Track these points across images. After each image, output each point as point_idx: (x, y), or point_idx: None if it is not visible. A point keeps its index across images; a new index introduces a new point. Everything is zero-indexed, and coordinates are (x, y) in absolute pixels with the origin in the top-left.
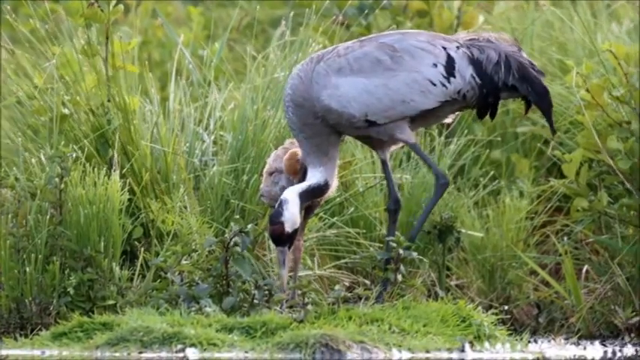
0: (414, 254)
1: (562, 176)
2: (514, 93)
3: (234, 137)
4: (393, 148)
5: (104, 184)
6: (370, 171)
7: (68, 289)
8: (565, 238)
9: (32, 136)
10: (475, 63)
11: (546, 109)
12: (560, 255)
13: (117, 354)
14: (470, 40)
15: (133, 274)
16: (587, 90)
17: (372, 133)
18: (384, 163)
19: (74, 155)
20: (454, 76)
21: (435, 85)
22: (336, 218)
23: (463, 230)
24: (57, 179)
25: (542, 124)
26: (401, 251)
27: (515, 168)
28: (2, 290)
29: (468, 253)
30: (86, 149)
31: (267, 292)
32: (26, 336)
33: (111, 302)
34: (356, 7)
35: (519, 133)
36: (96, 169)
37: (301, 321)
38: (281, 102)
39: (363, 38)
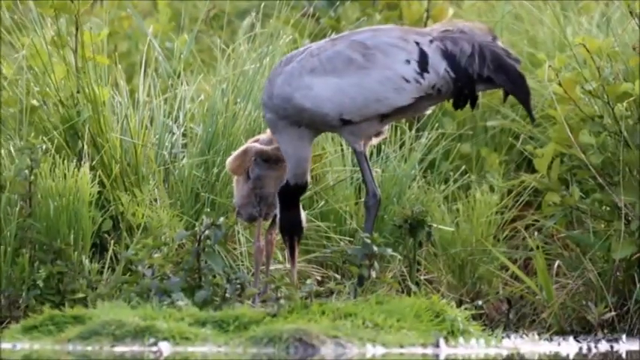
0: (389, 251)
1: (532, 170)
2: (490, 84)
3: (205, 130)
4: (374, 141)
5: (74, 176)
6: (340, 164)
7: (38, 282)
8: (536, 233)
9: (1, 128)
10: (448, 56)
11: (523, 98)
12: (531, 250)
13: (89, 347)
14: (443, 32)
15: (103, 267)
16: (560, 84)
17: (344, 132)
18: (362, 156)
19: (44, 147)
20: (427, 72)
21: (408, 81)
22: (306, 212)
23: (434, 225)
24: (26, 171)
25: (513, 117)
26: (375, 248)
27: (485, 162)
28: None
29: (438, 247)
30: (56, 141)
31: (239, 286)
32: None
33: (81, 295)
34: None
35: (489, 127)
36: (65, 161)
37: (274, 315)
38: (251, 94)
39: (335, 37)
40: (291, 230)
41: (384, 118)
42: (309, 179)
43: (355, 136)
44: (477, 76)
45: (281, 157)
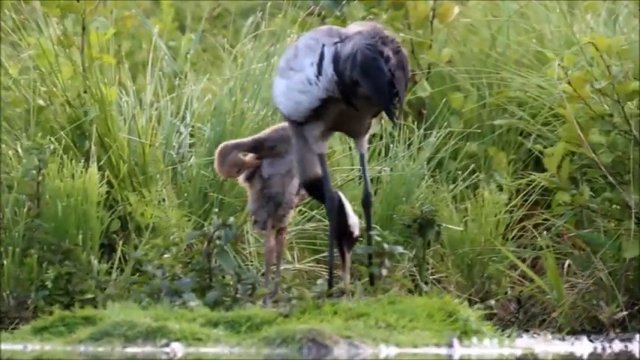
0: (399, 249)
1: (540, 169)
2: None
3: (212, 129)
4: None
5: (82, 176)
6: (348, 164)
7: (46, 283)
8: (545, 233)
9: (8, 128)
10: (335, 59)
11: (383, 103)
12: (541, 249)
13: (100, 349)
14: (355, 33)
15: (111, 268)
16: (569, 82)
17: (305, 132)
18: (361, 157)
19: (51, 147)
20: (321, 74)
21: (311, 84)
22: (315, 212)
23: (443, 224)
24: (34, 172)
25: (521, 116)
26: (386, 246)
27: (493, 161)
28: None
29: (447, 247)
30: (63, 141)
31: (250, 286)
32: (5, 330)
33: (90, 296)
34: None
35: (496, 125)
36: (73, 162)
37: (287, 316)
38: (258, 93)
39: (299, 35)
40: (339, 235)
41: (320, 120)
42: (316, 173)
43: (309, 136)
44: (349, 79)
45: (264, 142)
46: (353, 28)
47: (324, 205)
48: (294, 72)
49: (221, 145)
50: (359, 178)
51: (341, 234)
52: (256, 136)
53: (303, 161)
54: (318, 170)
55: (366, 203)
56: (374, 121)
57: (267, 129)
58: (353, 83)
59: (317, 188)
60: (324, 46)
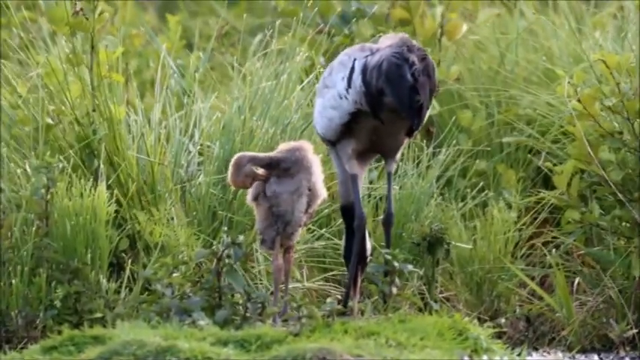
0: (410, 267)
1: (549, 187)
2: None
3: (221, 147)
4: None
5: (90, 195)
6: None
7: (55, 302)
8: (554, 250)
9: (16, 147)
10: (363, 70)
11: (404, 108)
12: (550, 267)
13: None
14: (386, 47)
15: (120, 287)
16: (579, 100)
17: (339, 152)
18: (388, 175)
19: (60, 166)
20: (350, 87)
21: (341, 98)
22: (324, 230)
23: (452, 242)
24: (43, 190)
25: (529, 133)
26: (396, 264)
27: (502, 179)
28: None
29: (456, 265)
30: (72, 160)
31: (259, 304)
32: (13, 349)
33: (99, 315)
34: (339, 17)
35: (505, 143)
36: (82, 180)
37: (297, 334)
38: (267, 112)
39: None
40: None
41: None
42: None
43: (343, 155)
44: (375, 88)
45: (280, 162)
46: (384, 42)
47: (353, 224)
48: (328, 89)
49: (237, 156)
50: (367, 196)
51: (360, 255)
52: (272, 154)
53: (346, 185)
54: (349, 199)
55: (387, 222)
56: (406, 140)
57: (283, 147)
58: (378, 92)
59: (343, 216)
60: (355, 60)
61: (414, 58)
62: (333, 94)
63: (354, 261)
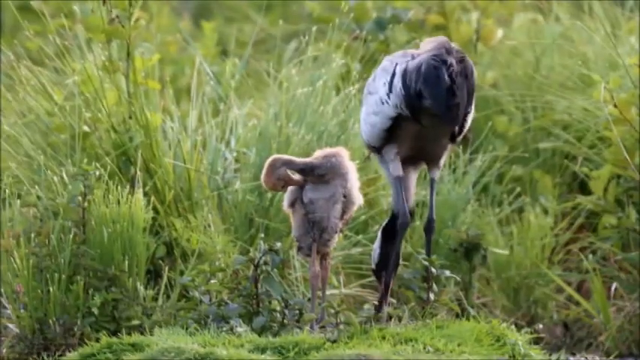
0: (447, 273)
1: (585, 192)
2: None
3: (257, 154)
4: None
5: (127, 202)
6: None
7: (92, 309)
8: (591, 256)
9: (53, 154)
10: (404, 74)
11: (439, 107)
12: (587, 272)
13: None
14: (428, 50)
15: (157, 294)
16: (615, 105)
17: (385, 158)
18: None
19: (97, 173)
20: (391, 91)
21: (383, 103)
22: (361, 236)
23: (489, 248)
24: (80, 198)
25: (566, 139)
26: (434, 270)
27: (538, 185)
28: (25, 311)
29: (492, 271)
30: (108, 167)
31: (297, 311)
32: (51, 357)
33: (136, 322)
34: (374, 22)
35: (541, 149)
36: (119, 188)
37: (334, 341)
38: (304, 118)
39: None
40: (387, 267)
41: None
42: (403, 210)
43: (387, 160)
44: (414, 90)
45: (314, 168)
46: (424, 46)
47: (396, 222)
48: (371, 95)
49: (273, 157)
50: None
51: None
52: (308, 160)
53: (394, 193)
54: (402, 209)
55: (428, 228)
56: (450, 146)
57: (319, 153)
58: (417, 95)
59: (392, 225)
60: (396, 65)
61: (451, 60)
62: (376, 100)
63: (393, 263)
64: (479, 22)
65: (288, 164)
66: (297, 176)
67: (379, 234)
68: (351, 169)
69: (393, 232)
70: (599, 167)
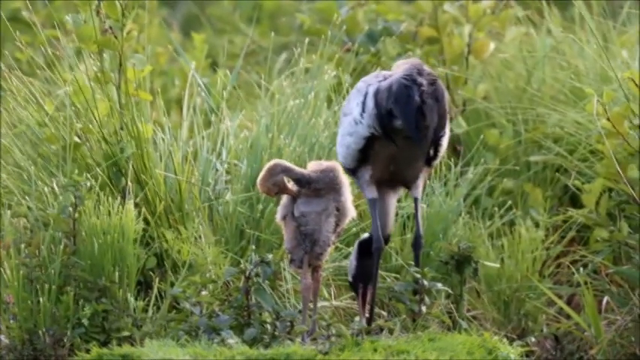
0: (439, 285)
1: (576, 205)
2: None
3: (249, 165)
4: (419, 185)
5: (118, 213)
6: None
7: (82, 320)
8: (582, 269)
9: (44, 165)
10: (376, 93)
11: (409, 127)
12: (578, 285)
13: None
14: (400, 71)
15: (147, 305)
16: (608, 119)
17: (359, 181)
18: (415, 200)
19: (88, 184)
20: (364, 111)
21: (357, 123)
22: (351, 248)
23: (480, 261)
24: (70, 209)
25: (557, 152)
26: (425, 282)
27: (529, 198)
28: (15, 321)
29: (483, 283)
30: (99, 178)
31: (288, 323)
32: None
33: (126, 333)
34: (366, 35)
35: (532, 162)
36: (109, 199)
37: (326, 353)
38: (295, 130)
39: None
40: (365, 280)
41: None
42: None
43: (362, 182)
44: (385, 110)
45: (312, 181)
46: (397, 68)
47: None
48: (345, 117)
49: (273, 162)
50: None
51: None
52: (306, 171)
53: (383, 217)
54: (386, 231)
55: (416, 245)
56: (425, 169)
57: (314, 166)
58: (388, 114)
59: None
60: (369, 85)
61: (422, 81)
62: (349, 121)
63: (374, 280)
64: (471, 35)
65: (287, 172)
66: (291, 184)
67: (355, 246)
68: (345, 183)
69: (368, 249)
70: (591, 180)
